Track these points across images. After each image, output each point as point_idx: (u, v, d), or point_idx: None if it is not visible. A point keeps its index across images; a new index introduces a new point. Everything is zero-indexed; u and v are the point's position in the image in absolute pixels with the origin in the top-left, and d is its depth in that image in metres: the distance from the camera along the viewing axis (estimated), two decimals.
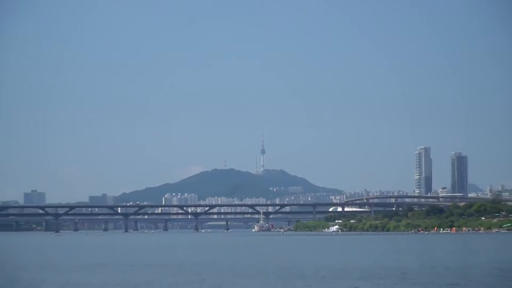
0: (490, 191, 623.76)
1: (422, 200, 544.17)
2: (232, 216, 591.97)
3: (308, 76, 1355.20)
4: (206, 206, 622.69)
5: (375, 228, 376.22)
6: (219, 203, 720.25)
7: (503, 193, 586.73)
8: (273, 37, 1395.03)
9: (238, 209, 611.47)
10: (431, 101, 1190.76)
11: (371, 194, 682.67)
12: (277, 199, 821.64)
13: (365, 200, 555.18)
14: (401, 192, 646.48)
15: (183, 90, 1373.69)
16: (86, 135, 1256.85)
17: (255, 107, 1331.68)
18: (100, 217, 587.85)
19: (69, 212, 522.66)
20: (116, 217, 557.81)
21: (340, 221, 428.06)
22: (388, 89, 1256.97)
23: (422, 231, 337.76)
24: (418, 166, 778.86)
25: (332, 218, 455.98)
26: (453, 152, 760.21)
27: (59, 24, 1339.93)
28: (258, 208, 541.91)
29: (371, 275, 76.73)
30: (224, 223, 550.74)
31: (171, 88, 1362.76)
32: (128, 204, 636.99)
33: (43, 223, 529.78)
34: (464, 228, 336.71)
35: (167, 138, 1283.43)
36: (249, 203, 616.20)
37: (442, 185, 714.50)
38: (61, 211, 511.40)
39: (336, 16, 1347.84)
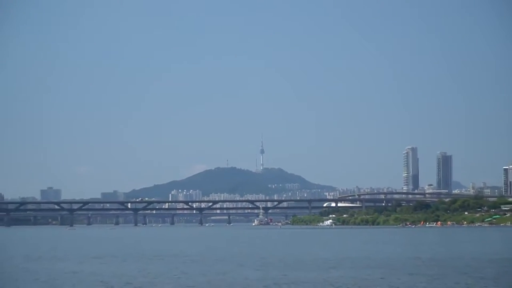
0: (473, 188, 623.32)
1: (410, 196, 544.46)
2: (233, 211, 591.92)
3: (305, 80, 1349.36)
4: (209, 202, 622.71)
5: (366, 222, 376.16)
6: (222, 199, 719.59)
7: (484, 190, 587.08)
8: (274, 38, 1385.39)
9: (239, 205, 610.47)
10: (418, 105, 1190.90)
11: (362, 190, 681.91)
12: (275, 195, 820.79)
13: (356, 196, 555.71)
14: (390, 189, 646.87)
15: (189, 95, 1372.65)
16: (98, 136, 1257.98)
17: (255, 110, 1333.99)
18: (111, 212, 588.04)
19: (83, 208, 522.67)
20: (126, 212, 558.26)
21: (334, 215, 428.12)
22: (378, 93, 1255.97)
23: (409, 225, 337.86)
24: (406, 165, 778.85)
25: (326, 213, 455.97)
26: (438, 152, 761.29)
27: (58, 26, 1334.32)
28: (257, 203, 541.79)
29: (361, 265, 76.85)
30: (227, 217, 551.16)
31: (178, 94, 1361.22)
32: (137, 200, 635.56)
33: (59, 218, 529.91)
34: (448, 222, 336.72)
35: (173, 139, 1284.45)
36: (250, 199, 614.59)
37: (428, 182, 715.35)
38: (75, 206, 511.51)
39: (329, 17, 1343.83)
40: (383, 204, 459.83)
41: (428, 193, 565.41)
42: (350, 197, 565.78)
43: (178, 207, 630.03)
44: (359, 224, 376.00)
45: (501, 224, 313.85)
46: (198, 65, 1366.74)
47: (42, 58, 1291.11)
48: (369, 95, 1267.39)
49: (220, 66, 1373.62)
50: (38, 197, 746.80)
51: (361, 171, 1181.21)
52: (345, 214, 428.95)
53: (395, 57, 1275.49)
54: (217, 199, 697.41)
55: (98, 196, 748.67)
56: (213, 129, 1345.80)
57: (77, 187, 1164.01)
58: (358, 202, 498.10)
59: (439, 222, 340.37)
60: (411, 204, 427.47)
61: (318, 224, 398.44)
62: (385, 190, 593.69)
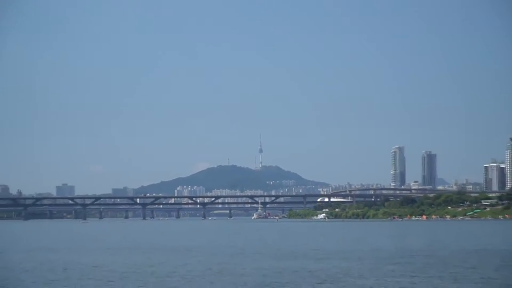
0: (456, 184, 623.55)
1: (397, 192, 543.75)
2: (234, 206, 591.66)
3: (302, 83, 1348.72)
4: (212, 197, 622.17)
5: (356, 216, 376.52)
6: (224, 194, 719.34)
7: (466, 186, 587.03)
8: (274, 38, 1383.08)
9: (240, 200, 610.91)
10: (405, 107, 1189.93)
11: (353, 186, 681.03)
12: (273, 191, 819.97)
13: (348, 192, 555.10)
14: (379, 185, 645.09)
15: (192, 98, 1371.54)
16: (110, 137, 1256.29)
17: (254, 113, 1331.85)
18: (121, 207, 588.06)
19: (95, 203, 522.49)
20: (135, 206, 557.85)
21: (327, 210, 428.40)
22: (369, 96, 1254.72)
23: (397, 219, 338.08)
24: (393, 163, 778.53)
25: (320, 207, 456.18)
26: (423, 151, 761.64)
27: (67, 30, 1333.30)
28: (256, 198, 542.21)
29: (351, 256, 76.80)
30: (228, 211, 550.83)
31: (183, 97, 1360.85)
32: (145, 195, 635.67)
33: (73, 212, 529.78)
34: (433, 216, 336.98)
35: (179, 139, 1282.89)
36: (249, 194, 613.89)
37: (414, 179, 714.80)
38: (88, 201, 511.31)
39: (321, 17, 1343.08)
40: (372, 199, 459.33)
41: (414, 189, 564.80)
42: (342, 193, 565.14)
43: (183, 202, 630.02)
44: (350, 217, 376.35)
45: (482, 218, 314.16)
46: (201, 69, 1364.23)
47: (56, 60, 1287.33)
48: (360, 98, 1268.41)
49: (221, 69, 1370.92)
50: (54, 193, 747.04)
51: (352, 168, 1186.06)
52: (337, 208, 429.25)
53: (388, 61, 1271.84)
54: (219, 194, 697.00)
55: (109, 192, 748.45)
56: (215, 130, 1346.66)
57: (90, 184, 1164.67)
58: (349, 197, 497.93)
59: (424, 216, 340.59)
60: (398, 199, 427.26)
61: (313, 217, 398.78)
62: (374, 186, 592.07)
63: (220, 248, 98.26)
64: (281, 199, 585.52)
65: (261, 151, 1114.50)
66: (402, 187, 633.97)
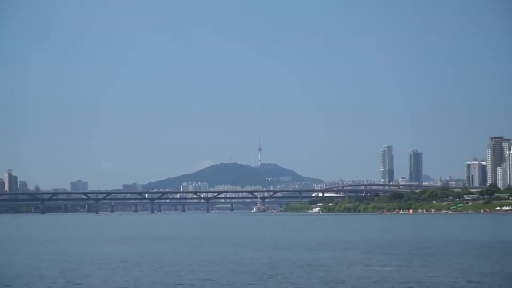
0: (440, 180, 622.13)
1: (386, 187, 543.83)
2: (235, 200, 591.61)
3: (299, 87, 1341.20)
4: (215, 192, 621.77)
5: (348, 210, 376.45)
6: (225, 189, 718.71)
7: (450, 182, 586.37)
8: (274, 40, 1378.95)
9: (240, 195, 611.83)
10: (394, 109, 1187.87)
11: (345, 182, 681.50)
12: (271, 186, 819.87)
13: (340, 188, 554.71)
14: (369, 181, 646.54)
15: (197, 100, 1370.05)
16: (120, 137, 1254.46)
17: (254, 114, 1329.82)
18: (131, 201, 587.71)
19: (107, 197, 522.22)
20: (144, 201, 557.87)
21: (321, 204, 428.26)
22: (359, 99, 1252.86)
23: (386, 212, 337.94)
24: (382, 160, 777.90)
25: (314, 201, 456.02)
26: (410, 150, 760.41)
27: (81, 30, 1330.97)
28: (256, 193, 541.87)
29: (343, 247, 77.01)
30: (229, 205, 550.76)
31: (188, 97, 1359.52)
32: (153, 190, 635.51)
33: (86, 206, 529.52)
34: (419, 210, 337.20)
35: (184, 139, 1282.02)
36: (249, 190, 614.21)
37: (401, 176, 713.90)
38: (100, 196, 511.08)
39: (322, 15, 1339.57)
40: (363, 194, 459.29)
41: (402, 185, 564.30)
42: (335, 188, 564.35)
43: (188, 196, 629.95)
44: (342, 211, 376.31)
45: (464, 212, 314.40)
46: (204, 72, 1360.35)
47: (70, 62, 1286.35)
48: (352, 101, 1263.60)
49: (224, 72, 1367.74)
50: (68, 189, 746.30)
51: (345, 165, 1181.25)
52: (330, 202, 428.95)
53: (378, 67, 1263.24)
54: (221, 190, 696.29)
55: (119, 187, 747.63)
56: (218, 130, 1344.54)
57: (102, 180, 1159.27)
58: (341, 193, 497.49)
59: (411, 209, 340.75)
60: (387, 194, 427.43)
61: (308, 211, 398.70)
62: (365, 182, 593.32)
63: (222, 239, 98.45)
64: (279, 194, 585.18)
65: (260, 149, 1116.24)
66: (391, 183, 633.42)
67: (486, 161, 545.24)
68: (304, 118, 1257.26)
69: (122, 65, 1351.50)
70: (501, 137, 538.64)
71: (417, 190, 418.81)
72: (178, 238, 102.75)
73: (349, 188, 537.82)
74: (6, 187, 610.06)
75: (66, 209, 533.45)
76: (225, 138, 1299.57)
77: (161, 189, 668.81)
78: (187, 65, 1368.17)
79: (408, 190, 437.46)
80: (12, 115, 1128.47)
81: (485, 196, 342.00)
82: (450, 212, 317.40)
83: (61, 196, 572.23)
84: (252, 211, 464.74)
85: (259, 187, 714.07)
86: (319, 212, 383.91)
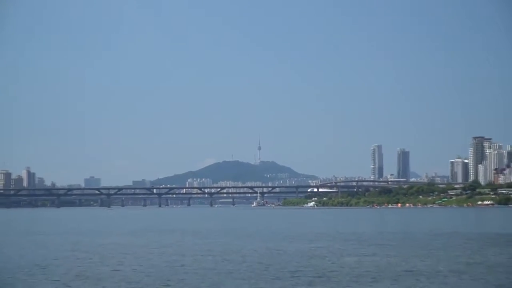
0: (426, 176, 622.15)
1: (376, 183, 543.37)
2: (237, 195, 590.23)
3: (296, 89, 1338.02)
4: (218, 187, 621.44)
5: (341, 204, 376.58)
6: (228, 185, 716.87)
7: (435, 178, 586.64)
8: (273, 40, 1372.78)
9: (241, 190, 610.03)
10: (383, 111, 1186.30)
11: (338, 178, 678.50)
12: (269, 182, 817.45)
13: (334, 183, 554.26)
14: (360, 177, 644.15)
15: (201, 101, 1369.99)
16: (130, 137, 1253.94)
17: (254, 116, 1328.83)
18: (140, 196, 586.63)
19: (118, 193, 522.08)
20: (152, 196, 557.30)
21: (316, 198, 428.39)
22: (351, 100, 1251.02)
23: (376, 206, 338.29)
24: (373, 158, 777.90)
25: (310, 196, 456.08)
26: (398, 148, 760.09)
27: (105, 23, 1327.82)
28: (256, 189, 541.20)
29: (335, 238, 76.97)
30: (231, 200, 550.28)
31: (192, 99, 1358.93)
32: (161, 186, 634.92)
33: (99, 201, 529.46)
34: (406, 204, 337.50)
35: (190, 138, 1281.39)
36: (249, 185, 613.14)
37: (390, 172, 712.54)
38: (111, 191, 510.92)
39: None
40: (355, 189, 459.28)
41: (390, 181, 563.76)
42: (328, 184, 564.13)
43: (193, 192, 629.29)
44: (336, 205, 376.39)
45: (448, 206, 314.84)
46: (207, 74, 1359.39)
47: (87, 62, 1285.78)
48: (345, 103, 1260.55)
49: (225, 77, 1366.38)
50: (82, 184, 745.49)
51: (338, 163, 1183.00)
52: (324, 197, 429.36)
53: (369, 69, 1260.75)
54: (223, 185, 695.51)
55: (130, 183, 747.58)
56: (221, 130, 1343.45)
57: (113, 176, 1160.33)
58: (335, 188, 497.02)
59: (399, 203, 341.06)
60: (377, 189, 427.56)
61: (304, 205, 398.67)
62: (356, 179, 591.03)
63: (225, 231, 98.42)
64: (277, 190, 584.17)
65: (259, 148, 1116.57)
66: (380, 179, 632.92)
67: (468, 159, 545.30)
68: (301, 119, 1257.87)
69: (130, 68, 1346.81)
70: (482, 137, 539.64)
71: (405, 186, 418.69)
72: (184, 230, 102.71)
73: (342, 184, 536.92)
74: (25, 183, 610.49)
75: (80, 204, 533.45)
76: (227, 138, 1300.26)
77: (168, 185, 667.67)
78: (191, 67, 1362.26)
79: (396, 186, 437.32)
80: (31, 117, 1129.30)
81: (468, 192, 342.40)
82: (435, 206, 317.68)
83: (75, 192, 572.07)
84: (252, 205, 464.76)
85: (259, 183, 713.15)
86: (314, 206, 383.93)
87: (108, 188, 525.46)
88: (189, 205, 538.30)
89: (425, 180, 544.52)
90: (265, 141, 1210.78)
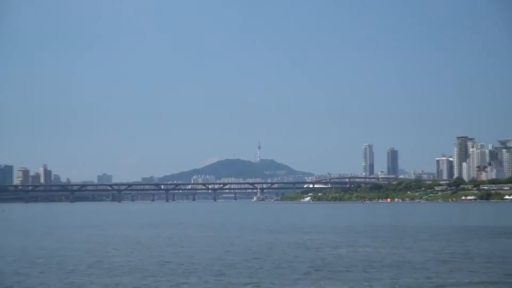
0: (414, 173, 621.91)
1: (367, 180, 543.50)
2: (238, 191, 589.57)
3: (293, 91, 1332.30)
4: (221, 184, 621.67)
5: (335, 199, 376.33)
6: (230, 182, 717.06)
7: (422, 175, 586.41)
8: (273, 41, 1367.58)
9: (243, 186, 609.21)
10: (373, 112, 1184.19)
11: (332, 175, 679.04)
12: (269, 179, 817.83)
13: (328, 180, 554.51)
14: (353, 174, 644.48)
15: (206, 103, 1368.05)
16: (140, 136, 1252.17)
17: (254, 117, 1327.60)
18: (149, 192, 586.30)
19: (128, 188, 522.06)
20: (160, 191, 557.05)
21: (311, 194, 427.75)
22: (344, 102, 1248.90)
23: (367, 201, 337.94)
24: (364, 157, 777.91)
25: (306, 192, 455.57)
26: (388, 147, 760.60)
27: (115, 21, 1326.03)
28: (256, 185, 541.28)
29: (329, 230, 76.98)
30: (233, 195, 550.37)
31: (198, 102, 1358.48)
32: (168, 182, 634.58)
33: (110, 196, 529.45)
34: (395, 199, 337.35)
35: (194, 138, 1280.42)
36: (250, 182, 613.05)
37: (380, 170, 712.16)
38: (122, 187, 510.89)
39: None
40: (348, 185, 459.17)
41: (381, 178, 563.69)
42: (323, 181, 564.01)
43: (198, 188, 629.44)
44: (330, 200, 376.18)
45: (434, 200, 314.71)
46: (210, 77, 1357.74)
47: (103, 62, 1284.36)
48: (339, 105, 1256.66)
49: (227, 80, 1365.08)
50: (95, 181, 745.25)
51: (332, 161, 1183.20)
52: (319, 193, 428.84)
53: (368, 71, 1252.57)
54: (226, 182, 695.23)
55: (139, 179, 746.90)
56: (224, 130, 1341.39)
57: (124, 173, 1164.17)
58: (329, 184, 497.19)
59: (388, 198, 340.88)
60: (368, 185, 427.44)
61: (300, 200, 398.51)
62: (349, 175, 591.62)
63: (227, 224, 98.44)
64: (275, 186, 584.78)
65: (259, 147, 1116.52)
66: (371, 176, 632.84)
67: (453, 157, 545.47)
68: (298, 120, 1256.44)
69: (138, 72, 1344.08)
70: (466, 137, 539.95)
71: (394, 182, 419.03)
72: (191, 223, 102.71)
73: (336, 180, 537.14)
74: (42, 180, 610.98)
75: (93, 199, 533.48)
76: (229, 138, 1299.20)
77: (175, 181, 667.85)
78: (193, 69, 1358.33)
79: (386, 182, 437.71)
80: (48, 118, 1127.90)
81: (452, 187, 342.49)
82: (422, 201, 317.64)
83: (88, 188, 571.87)
84: (253, 200, 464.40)
85: (259, 180, 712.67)
86: (310, 201, 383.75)
87: (119, 184, 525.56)
88: (194, 200, 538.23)
89: (413, 177, 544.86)
90: (264, 140, 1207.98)
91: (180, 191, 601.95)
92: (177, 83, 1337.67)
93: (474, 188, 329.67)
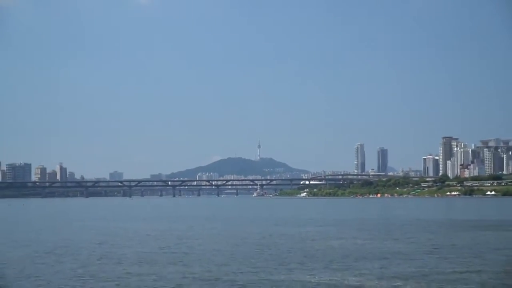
0: (402, 171, 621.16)
1: (359, 176, 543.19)
2: (240, 187, 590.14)
3: (291, 93, 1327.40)
4: (224, 180, 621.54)
5: (329, 194, 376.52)
6: (232, 178, 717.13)
7: (410, 173, 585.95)
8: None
9: (244, 182, 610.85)
10: (365, 113, 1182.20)
11: (327, 172, 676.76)
12: (268, 176, 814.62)
13: (323, 177, 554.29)
14: (346, 172, 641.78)
15: (209, 105, 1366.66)
16: (149, 135, 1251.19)
17: (255, 118, 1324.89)
18: (157, 188, 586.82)
19: (138, 185, 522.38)
20: (167, 187, 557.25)
21: (307, 190, 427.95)
22: (338, 103, 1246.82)
23: (359, 196, 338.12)
24: (356, 155, 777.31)
25: (302, 188, 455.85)
26: (378, 147, 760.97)
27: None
28: (256, 181, 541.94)
29: (323, 223, 76.99)
30: (235, 191, 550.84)
31: (202, 104, 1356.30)
32: (175, 179, 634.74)
33: (121, 192, 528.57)
34: (385, 194, 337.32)
35: (199, 138, 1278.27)
36: (251, 178, 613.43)
37: (371, 167, 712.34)
38: (132, 184, 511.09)
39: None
40: (341, 182, 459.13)
41: (371, 175, 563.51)
42: (318, 177, 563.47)
43: (202, 184, 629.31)
44: (324, 195, 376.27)
45: (421, 196, 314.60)
46: (213, 79, 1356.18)
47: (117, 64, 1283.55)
48: (334, 106, 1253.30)
49: (230, 83, 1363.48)
50: (107, 177, 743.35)
51: (326, 159, 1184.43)
52: (315, 189, 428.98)
53: (352, 73, 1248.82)
54: (228, 178, 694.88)
55: (148, 176, 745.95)
56: (226, 131, 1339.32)
57: (134, 171, 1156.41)
58: (323, 181, 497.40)
59: (379, 194, 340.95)
60: (360, 182, 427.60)
61: (297, 195, 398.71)
62: (342, 173, 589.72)
63: (229, 218, 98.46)
64: (274, 182, 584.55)
65: (259, 146, 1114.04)
66: (363, 173, 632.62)
67: (438, 156, 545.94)
68: (295, 122, 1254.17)
69: (147, 77, 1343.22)
70: (450, 137, 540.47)
71: (384, 179, 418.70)
72: (196, 216, 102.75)
73: (330, 177, 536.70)
74: (58, 177, 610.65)
75: (105, 194, 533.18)
76: (232, 138, 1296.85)
77: (181, 178, 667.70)
78: (199, 76, 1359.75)
79: (377, 179, 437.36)
80: (63, 119, 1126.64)
81: (438, 184, 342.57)
82: (409, 196, 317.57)
83: (101, 184, 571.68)
84: (253, 196, 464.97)
85: (259, 177, 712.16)
86: (305, 196, 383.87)
87: (129, 181, 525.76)
88: (199, 195, 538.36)
89: (401, 174, 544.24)
90: (264, 140, 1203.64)
91: (186, 187, 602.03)
92: (184, 88, 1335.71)
93: (458, 185, 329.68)
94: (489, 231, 60.91)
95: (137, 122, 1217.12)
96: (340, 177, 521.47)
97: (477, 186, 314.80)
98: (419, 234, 57.36)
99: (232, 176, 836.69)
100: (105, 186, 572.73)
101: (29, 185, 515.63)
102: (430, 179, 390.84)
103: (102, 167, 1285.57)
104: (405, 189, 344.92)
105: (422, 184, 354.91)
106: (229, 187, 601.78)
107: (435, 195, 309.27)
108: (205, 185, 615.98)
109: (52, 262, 36.35)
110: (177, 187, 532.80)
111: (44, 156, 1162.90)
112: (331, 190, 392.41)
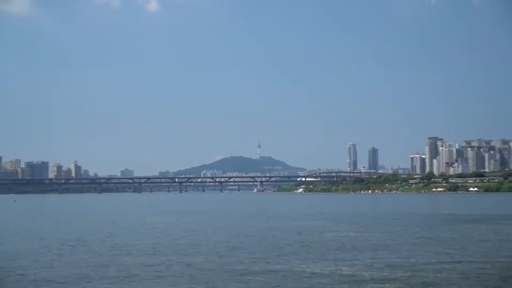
0: (391, 169, 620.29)
1: (351, 174, 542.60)
2: (241, 183, 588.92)
3: (291, 94, 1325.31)
4: (226, 177, 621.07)
5: (324, 190, 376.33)
6: (234, 175, 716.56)
7: (399, 170, 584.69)
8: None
9: (245, 179, 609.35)
10: (358, 113, 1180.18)
11: (322, 170, 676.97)
12: (267, 173, 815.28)
13: (318, 174, 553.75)
14: (339, 169, 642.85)
15: (212, 106, 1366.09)
16: (157, 135, 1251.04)
17: (255, 119, 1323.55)
18: (165, 184, 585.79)
19: (147, 181, 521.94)
20: (174, 184, 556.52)
21: (304, 186, 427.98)
22: (334, 104, 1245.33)
23: (351, 192, 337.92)
24: (349, 154, 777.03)
25: (299, 184, 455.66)
26: (369, 146, 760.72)
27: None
28: (256, 178, 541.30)
29: (317, 217, 76.87)
30: (237, 187, 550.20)
31: (206, 106, 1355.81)
32: (181, 176, 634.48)
33: (132, 188, 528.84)
34: (376, 190, 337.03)
35: (204, 138, 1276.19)
36: (251, 176, 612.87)
37: (363, 165, 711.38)
38: (142, 180, 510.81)
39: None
40: (335, 179, 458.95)
41: (363, 172, 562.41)
42: (314, 174, 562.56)
43: (206, 181, 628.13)
44: (319, 191, 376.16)
45: (409, 192, 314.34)
46: (214, 80, 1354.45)
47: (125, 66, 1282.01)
48: (329, 107, 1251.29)
49: (233, 86, 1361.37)
50: (119, 175, 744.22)
51: (321, 158, 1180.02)
52: (310, 185, 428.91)
53: (347, 74, 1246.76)
54: (231, 176, 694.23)
55: (156, 174, 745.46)
56: (229, 131, 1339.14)
57: (143, 168, 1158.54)
58: (319, 178, 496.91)
59: (370, 190, 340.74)
60: (352, 179, 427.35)
61: (294, 191, 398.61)
62: (336, 170, 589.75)
63: (232, 213, 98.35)
64: (273, 179, 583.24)
65: (259, 146, 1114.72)
66: (355, 171, 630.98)
67: (425, 155, 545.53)
68: (293, 123, 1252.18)
69: (155, 81, 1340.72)
70: (436, 137, 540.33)
71: (374, 176, 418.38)
72: (201, 211, 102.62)
73: (324, 174, 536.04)
74: (73, 174, 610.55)
75: (117, 190, 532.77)
76: (234, 138, 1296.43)
77: (187, 175, 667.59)
78: (203, 79, 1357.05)
79: (368, 176, 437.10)
80: (78, 120, 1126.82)
81: (424, 181, 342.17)
82: (398, 192, 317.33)
83: (113, 181, 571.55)
84: (254, 191, 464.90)
85: (259, 174, 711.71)
86: (302, 192, 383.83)
87: (139, 178, 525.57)
88: (203, 191, 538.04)
89: (390, 171, 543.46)
90: (264, 140, 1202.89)
91: (192, 184, 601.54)
92: (189, 93, 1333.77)
93: (443, 182, 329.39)
94: (472, 224, 60.83)
95: (146, 124, 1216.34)
96: (334, 174, 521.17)
97: (461, 183, 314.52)
98: (407, 227, 57.27)
99: (234, 173, 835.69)
100: (117, 183, 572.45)
101: (46, 182, 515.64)
102: (417, 176, 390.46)
103: (114, 165, 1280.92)
104: (394, 186, 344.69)
105: (410, 181, 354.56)
106: (232, 183, 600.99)
107: (422, 191, 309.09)
108: (209, 182, 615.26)
109: (68, 253, 36.28)
110: (183, 184, 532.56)
111: (60, 155, 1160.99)
112: (325, 187, 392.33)
